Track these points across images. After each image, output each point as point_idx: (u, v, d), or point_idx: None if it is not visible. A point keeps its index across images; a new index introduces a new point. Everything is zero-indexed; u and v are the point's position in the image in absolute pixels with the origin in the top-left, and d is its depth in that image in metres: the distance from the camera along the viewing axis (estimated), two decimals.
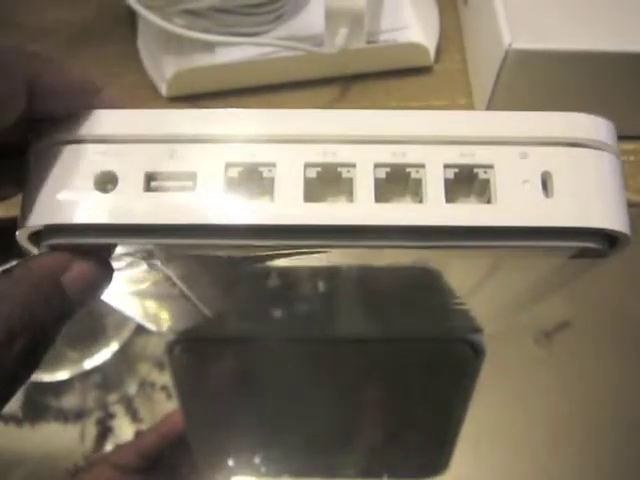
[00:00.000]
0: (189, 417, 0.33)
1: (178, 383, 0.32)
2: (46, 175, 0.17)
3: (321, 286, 0.24)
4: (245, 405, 0.32)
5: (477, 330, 0.28)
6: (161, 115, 0.17)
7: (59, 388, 0.54)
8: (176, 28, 0.35)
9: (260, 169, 0.17)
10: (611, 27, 0.33)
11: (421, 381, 0.32)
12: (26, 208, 0.17)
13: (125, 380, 0.58)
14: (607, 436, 0.57)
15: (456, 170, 0.17)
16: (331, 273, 0.23)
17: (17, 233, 0.17)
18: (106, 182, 0.17)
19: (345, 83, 0.40)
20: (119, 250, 0.18)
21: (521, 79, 0.34)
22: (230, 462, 0.34)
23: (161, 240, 0.18)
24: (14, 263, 0.17)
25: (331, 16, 0.35)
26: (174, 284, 0.24)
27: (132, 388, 0.58)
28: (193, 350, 0.29)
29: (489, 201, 0.17)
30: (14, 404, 0.50)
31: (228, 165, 0.17)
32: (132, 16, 0.41)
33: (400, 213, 0.17)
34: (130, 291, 0.26)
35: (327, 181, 0.17)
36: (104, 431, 0.56)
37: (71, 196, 0.17)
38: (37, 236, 0.17)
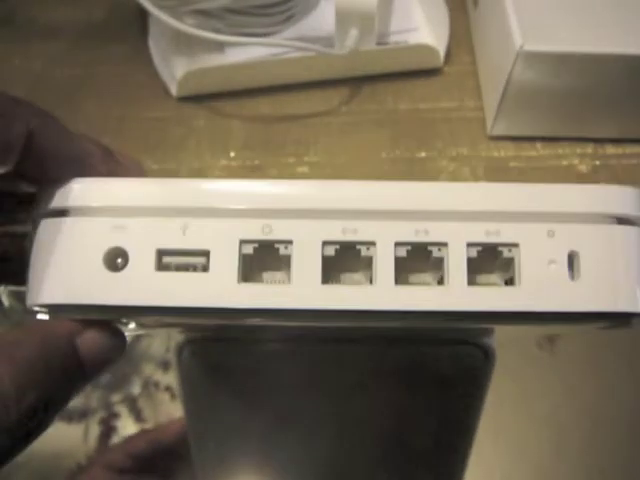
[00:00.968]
0: (192, 421, 0.33)
1: (185, 385, 0.31)
2: (53, 249, 0.16)
3: None
4: (252, 412, 0.32)
5: (488, 333, 0.28)
6: (173, 185, 0.17)
7: None
8: (187, 28, 0.35)
9: (276, 246, 0.16)
10: (622, 30, 0.33)
11: (430, 387, 0.32)
12: (34, 282, 0.16)
13: (129, 380, 0.58)
14: (609, 438, 0.57)
15: (479, 248, 0.16)
16: None
17: (27, 302, 0.17)
18: (116, 257, 0.16)
19: (355, 84, 0.40)
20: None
21: (532, 81, 0.34)
22: (231, 469, 0.34)
23: (172, 319, 0.17)
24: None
25: (341, 17, 0.35)
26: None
27: (136, 388, 0.58)
28: (203, 352, 0.29)
29: (512, 280, 0.16)
30: None
31: (242, 242, 0.16)
32: (143, 15, 0.41)
33: (420, 298, 0.16)
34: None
35: (345, 255, 0.16)
36: (108, 430, 0.56)
37: (80, 274, 0.16)
38: (47, 307, 0.17)
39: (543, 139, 0.37)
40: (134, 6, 0.36)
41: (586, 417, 0.59)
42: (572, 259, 0.16)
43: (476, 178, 0.36)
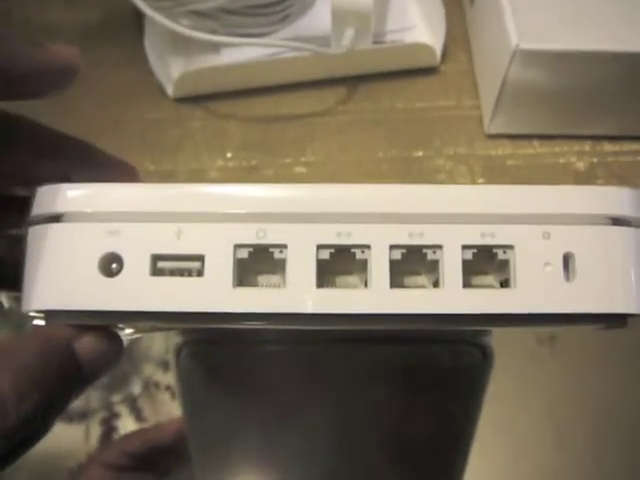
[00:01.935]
0: (191, 422, 0.33)
1: (183, 386, 0.31)
2: (47, 255, 0.16)
3: None
4: (251, 413, 0.32)
5: (486, 332, 0.28)
6: (167, 190, 0.16)
7: None
8: (183, 29, 0.35)
9: (271, 250, 0.16)
10: (618, 27, 0.33)
11: (428, 387, 0.32)
12: (29, 288, 0.16)
13: (129, 380, 0.58)
14: (610, 436, 0.57)
15: (475, 251, 0.16)
16: None
17: (22, 308, 0.17)
18: (110, 263, 0.16)
19: (351, 83, 0.40)
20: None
21: (528, 79, 0.34)
22: (230, 470, 0.34)
23: (167, 324, 0.17)
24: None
25: (337, 17, 0.35)
26: None
27: (136, 388, 0.58)
28: (201, 353, 0.29)
29: (507, 282, 0.16)
30: None
31: (237, 246, 0.16)
32: (139, 17, 0.41)
33: (416, 301, 0.16)
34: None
35: (340, 259, 0.16)
36: (108, 431, 0.56)
37: (74, 280, 0.16)
38: (43, 312, 0.17)
39: (540, 137, 0.37)
40: (130, 8, 0.36)
41: (587, 413, 0.59)
42: (567, 260, 0.16)
43: (473, 176, 0.36)
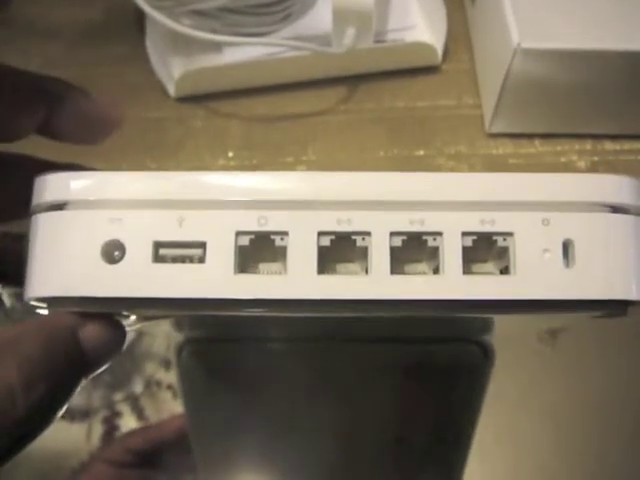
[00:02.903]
0: (193, 420, 0.33)
1: (184, 385, 0.31)
2: (50, 243, 0.16)
3: None
4: (252, 411, 0.32)
5: (487, 330, 0.28)
6: (169, 178, 0.17)
7: None
8: (184, 28, 0.35)
9: (272, 237, 0.16)
10: (619, 26, 0.33)
11: (430, 385, 0.32)
12: (32, 275, 0.17)
13: (131, 379, 0.58)
14: (612, 436, 0.57)
15: (474, 237, 0.16)
16: None
17: (24, 296, 0.17)
18: (113, 250, 0.16)
19: (352, 83, 0.40)
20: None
21: (529, 78, 0.34)
22: (232, 468, 0.34)
23: (170, 312, 0.17)
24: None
25: (339, 16, 0.35)
26: None
27: (138, 387, 0.58)
28: (203, 352, 0.29)
29: (507, 269, 0.16)
30: None
31: (238, 233, 0.16)
32: (140, 16, 0.41)
33: (416, 287, 0.16)
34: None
35: (341, 246, 0.17)
36: (110, 429, 0.56)
37: (77, 267, 0.16)
38: (46, 301, 0.17)
39: (541, 136, 0.37)
40: (131, 7, 0.36)
41: (589, 411, 0.58)
42: (567, 247, 0.16)
43: None
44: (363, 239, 0.16)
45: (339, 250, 0.17)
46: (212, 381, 0.31)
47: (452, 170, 0.36)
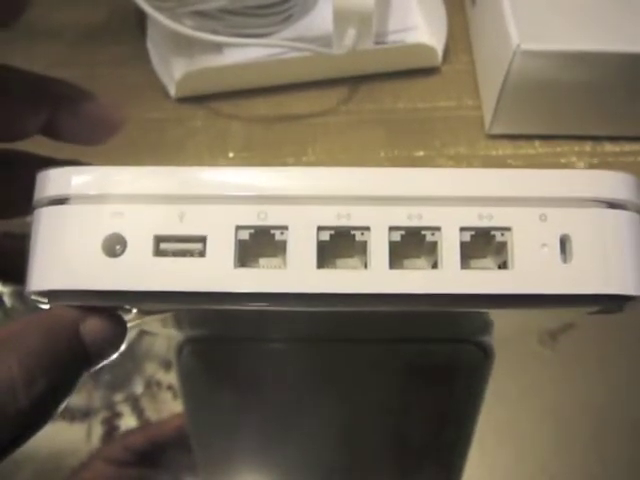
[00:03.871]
0: (193, 420, 0.33)
1: (185, 384, 0.31)
2: (53, 237, 0.17)
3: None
4: (252, 411, 0.32)
5: (487, 331, 0.28)
6: (170, 174, 0.17)
7: None
8: (185, 29, 0.36)
9: (272, 231, 0.17)
10: (619, 28, 0.33)
11: (429, 385, 0.32)
12: (33, 269, 0.17)
13: (131, 379, 0.58)
14: (612, 437, 0.57)
15: (472, 232, 0.17)
16: None
17: (25, 291, 0.17)
18: (114, 244, 0.17)
19: (353, 84, 0.40)
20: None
21: (529, 80, 0.34)
22: (232, 468, 0.34)
23: (171, 305, 0.17)
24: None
25: (339, 17, 0.36)
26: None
27: (138, 387, 0.58)
28: (203, 351, 0.29)
29: (505, 264, 0.17)
30: None
31: (238, 228, 0.16)
32: (141, 17, 0.41)
33: (415, 281, 0.16)
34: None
35: (340, 241, 0.17)
36: (110, 430, 0.56)
37: (79, 260, 0.16)
38: (47, 295, 0.17)
39: (541, 137, 0.37)
40: (133, 8, 0.36)
41: (589, 414, 0.58)
42: (564, 242, 0.16)
43: None
44: (362, 234, 0.17)
45: (338, 245, 0.17)
46: (212, 381, 0.31)
47: None
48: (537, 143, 0.37)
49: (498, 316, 0.24)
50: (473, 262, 0.17)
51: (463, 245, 0.16)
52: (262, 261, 0.17)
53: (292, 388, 0.31)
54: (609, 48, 0.33)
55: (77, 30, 0.42)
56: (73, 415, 0.57)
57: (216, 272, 0.16)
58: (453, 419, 0.32)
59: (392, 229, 0.17)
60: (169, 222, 0.16)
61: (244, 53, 0.38)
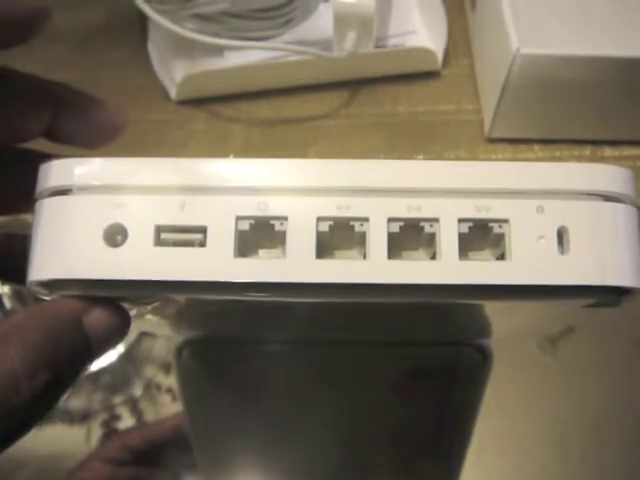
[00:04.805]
0: (192, 421, 0.33)
1: (184, 386, 0.31)
2: (54, 227, 0.17)
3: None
4: (251, 412, 0.32)
5: (485, 334, 0.28)
6: (171, 165, 0.17)
7: None
8: (186, 32, 0.36)
9: (272, 222, 0.17)
10: (618, 32, 0.34)
11: (428, 388, 0.32)
12: (34, 259, 0.17)
13: (131, 382, 0.58)
14: (611, 441, 0.57)
15: (470, 224, 0.17)
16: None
17: (27, 281, 0.17)
18: (116, 234, 0.17)
19: (353, 87, 0.40)
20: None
21: (529, 84, 0.34)
22: (232, 468, 0.34)
23: (172, 294, 0.17)
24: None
25: (340, 21, 0.36)
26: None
27: (138, 390, 0.58)
28: (202, 353, 0.29)
29: (503, 256, 0.17)
30: None
31: (239, 218, 0.17)
32: (142, 19, 0.41)
33: (413, 271, 0.16)
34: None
35: (339, 232, 0.17)
36: (109, 432, 0.56)
37: (80, 250, 0.16)
38: (48, 285, 0.17)
39: (541, 141, 0.38)
40: (134, 11, 0.36)
41: (589, 419, 0.58)
42: (561, 234, 0.17)
43: None
44: (361, 225, 0.17)
45: (338, 236, 0.17)
46: (212, 382, 0.31)
47: None
48: (536, 147, 0.37)
49: (496, 315, 0.24)
50: (471, 254, 0.17)
51: (461, 237, 0.17)
52: (261, 252, 0.17)
53: (291, 390, 0.31)
54: (609, 52, 0.33)
55: (78, 33, 0.43)
56: (72, 417, 0.57)
57: (216, 262, 0.16)
58: (452, 421, 0.32)
59: (391, 220, 0.17)
60: (170, 212, 0.17)
61: (245, 56, 0.38)
